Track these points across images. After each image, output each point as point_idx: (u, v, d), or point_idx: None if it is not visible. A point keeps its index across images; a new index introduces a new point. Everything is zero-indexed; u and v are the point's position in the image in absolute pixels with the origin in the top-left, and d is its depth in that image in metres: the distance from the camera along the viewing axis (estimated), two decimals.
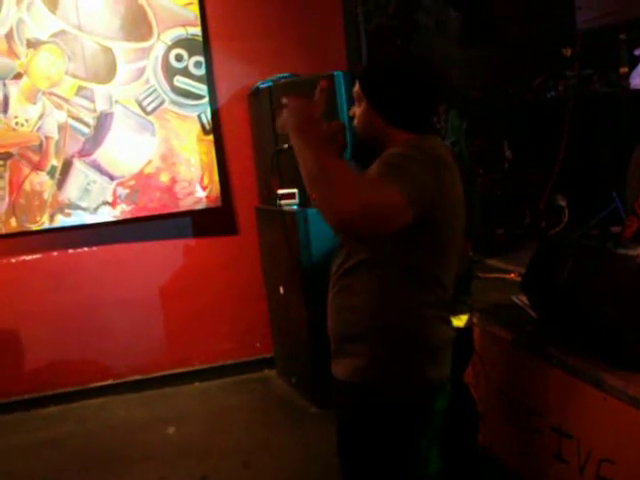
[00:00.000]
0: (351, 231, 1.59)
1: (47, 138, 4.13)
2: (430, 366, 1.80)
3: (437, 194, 1.67)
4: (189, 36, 4.26)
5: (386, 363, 1.78)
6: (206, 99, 4.34)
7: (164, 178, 4.32)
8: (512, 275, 3.13)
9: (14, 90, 4.06)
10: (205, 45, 4.32)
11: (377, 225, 1.58)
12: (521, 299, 2.69)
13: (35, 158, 4.14)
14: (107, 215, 4.27)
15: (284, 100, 1.79)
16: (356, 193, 1.54)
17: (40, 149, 4.13)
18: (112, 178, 4.25)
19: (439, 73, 1.85)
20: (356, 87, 1.88)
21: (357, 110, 1.89)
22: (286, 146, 2.12)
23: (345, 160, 1.67)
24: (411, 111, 1.81)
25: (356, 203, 1.51)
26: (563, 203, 3.80)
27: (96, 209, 4.25)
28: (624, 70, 3.72)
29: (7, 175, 4.11)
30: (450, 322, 1.90)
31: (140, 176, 4.28)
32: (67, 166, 4.18)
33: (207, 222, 4.51)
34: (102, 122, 4.20)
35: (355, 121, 1.90)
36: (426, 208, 1.64)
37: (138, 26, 4.18)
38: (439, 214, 1.70)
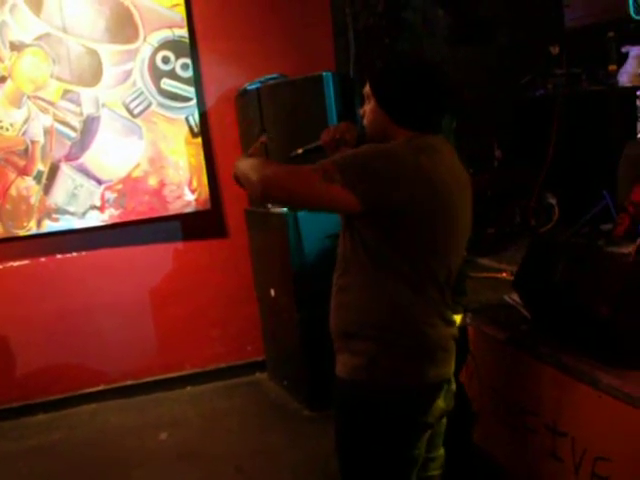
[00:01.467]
0: (272, 194, 1.78)
1: (33, 142, 4.09)
2: (427, 366, 1.81)
3: (410, 184, 1.71)
4: (176, 38, 4.23)
5: (382, 361, 1.79)
6: (194, 101, 4.31)
7: (152, 182, 4.29)
8: (504, 274, 3.12)
9: None
10: (192, 47, 4.29)
11: (293, 195, 1.74)
12: (513, 298, 2.68)
13: (21, 163, 4.10)
14: (95, 220, 4.23)
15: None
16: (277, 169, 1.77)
17: (26, 154, 4.09)
18: (100, 182, 4.22)
19: (447, 77, 1.87)
20: (366, 86, 1.91)
21: (366, 109, 1.93)
22: (300, 151, 2.12)
23: None
24: (416, 111, 1.84)
25: (273, 173, 1.75)
26: (553, 201, 3.80)
27: (84, 214, 4.21)
28: (612, 68, 3.72)
29: None
30: (450, 321, 1.91)
31: (128, 180, 4.25)
32: (54, 170, 4.14)
33: (196, 225, 4.48)
34: (89, 126, 4.16)
35: (364, 119, 1.95)
36: (392, 199, 1.70)
37: (124, 28, 4.14)
38: (422, 207, 1.73)
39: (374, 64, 1.91)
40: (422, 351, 1.81)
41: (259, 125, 4.02)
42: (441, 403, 1.88)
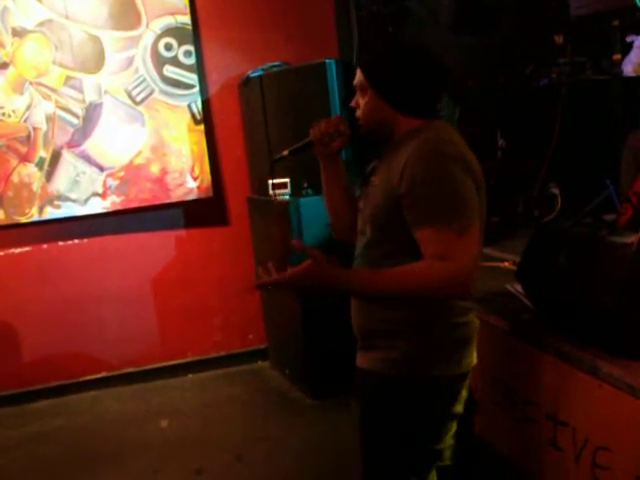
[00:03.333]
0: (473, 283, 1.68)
1: (35, 129, 4.08)
2: (461, 355, 1.83)
3: (477, 186, 1.72)
4: (178, 25, 4.22)
5: (420, 355, 1.79)
6: (196, 89, 4.30)
7: (154, 169, 4.28)
8: (506, 264, 3.11)
9: (0, 80, 4.00)
10: (195, 34, 4.28)
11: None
12: (516, 288, 2.67)
13: (23, 149, 4.09)
14: (97, 207, 4.23)
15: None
16: (449, 276, 1.62)
17: (28, 140, 4.09)
18: (102, 169, 4.21)
19: (441, 59, 1.86)
20: (358, 77, 1.86)
21: (360, 100, 1.87)
22: (285, 153, 2.08)
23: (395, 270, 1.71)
24: (418, 97, 1.82)
25: (457, 281, 1.63)
26: (556, 191, 3.78)
27: (86, 201, 4.21)
28: (617, 57, 3.70)
29: None
30: (473, 308, 1.92)
31: (130, 167, 4.25)
32: (56, 157, 4.14)
33: (198, 213, 4.48)
34: (91, 112, 4.15)
35: (359, 112, 1.89)
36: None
37: (127, 14, 4.13)
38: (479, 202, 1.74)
39: (366, 54, 1.84)
40: (457, 341, 1.82)
41: (262, 112, 4.00)
42: (465, 392, 1.89)
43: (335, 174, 2.08)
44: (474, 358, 1.90)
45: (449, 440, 1.92)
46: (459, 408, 1.87)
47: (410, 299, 1.71)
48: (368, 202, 1.86)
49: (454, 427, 1.89)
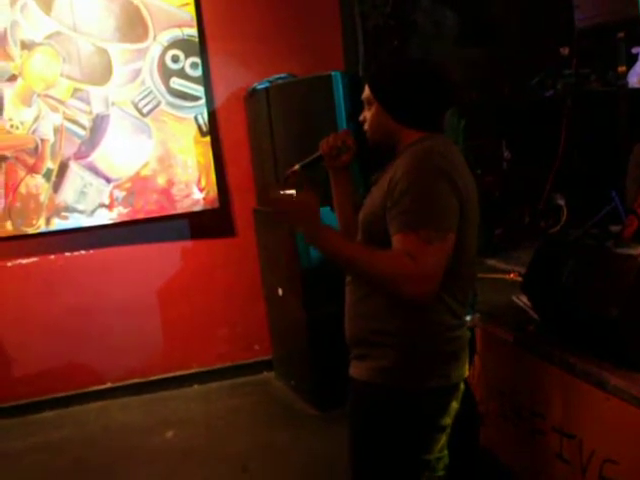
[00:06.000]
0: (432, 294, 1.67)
1: (43, 141, 4.11)
2: (452, 367, 1.83)
3: (462, 201, 1.72)
4: (185, 37, 4.24)
5: (409, 366, 1.80)
6: (203, 100, 4.32)
7: (161, 180, 4.30)
8: (512, 275, 3.11)
9: (8, 92, 4.03)
10: (201, 46, 4.30)
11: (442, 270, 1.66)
12: (522, 299, 2.68)
13: (31, 161, 4.11)
14: (104, 218, 4.25)
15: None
16: (413, 277, 1.62)
17: (36, 152, 4.11)
18: (109, 180, 4.23)
19: (446, 73, 1.88)
20: (366, 91, 1.90)
21: (367, 114, 1.92)
22: (296, 167, 2.09)
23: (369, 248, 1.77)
24: (421, 110, 1.84)
25: (420, 285, 1.62)
26: (562, 202, 3.79)
27: (93, 212, 4.22)
28: (622, 69, 3.71)
29: (2, 178, 4.08)
30: (466, 320, 1.93)
31: (137, 178, 4.26)
32: (63, 169, 4.16)
33: (204, 224, 4.48)
34: (98, 124, 4.18)
35: (365, 125, 1.93)
36: (459, 212, 1.72)
37: (134, 27, 4.16)
38: (464, 217, 1.74)
39: (372, 68, 1.87)
40: (446, 354, 1.82)
41: (268, 124, 4.02)
42: (455, 404, 1.89)
43: (345, 187, 2.12)
44: (465, 370, 1.90)
45: (439, 452, 1.92)
46: (448, 420, 1.87)
47: (367, 279, 1.74)
48: (364, 210, 1.90)
49: (444, 439, 1.89)
